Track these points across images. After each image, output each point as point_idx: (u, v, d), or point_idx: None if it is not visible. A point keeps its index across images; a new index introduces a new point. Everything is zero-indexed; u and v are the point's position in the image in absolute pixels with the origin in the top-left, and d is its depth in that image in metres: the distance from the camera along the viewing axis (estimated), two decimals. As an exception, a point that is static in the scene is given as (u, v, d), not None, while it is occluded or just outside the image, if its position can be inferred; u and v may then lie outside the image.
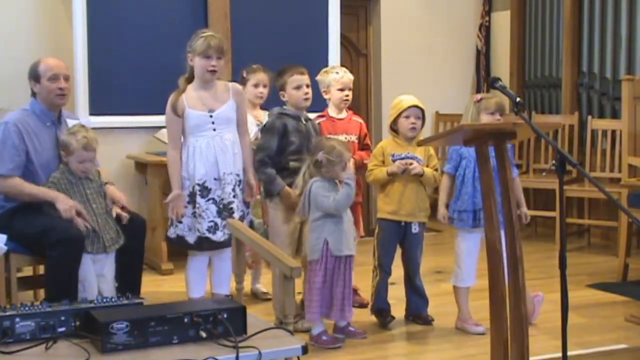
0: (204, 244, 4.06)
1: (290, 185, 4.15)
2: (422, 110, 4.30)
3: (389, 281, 4.35)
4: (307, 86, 4.25)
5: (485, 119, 4.01)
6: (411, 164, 4.21)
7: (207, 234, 4.03)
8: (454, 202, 4.17)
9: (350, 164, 4.13)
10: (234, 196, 4.06)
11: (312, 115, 4.67)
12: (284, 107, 4.28)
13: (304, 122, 4.27)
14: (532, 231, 6.95)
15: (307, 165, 4.02)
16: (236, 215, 4.05)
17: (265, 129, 4.23)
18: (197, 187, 4.03)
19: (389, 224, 4.28)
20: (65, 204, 3.78)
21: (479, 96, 4.15)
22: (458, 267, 4.19)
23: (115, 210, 3.98)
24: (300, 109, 4.27)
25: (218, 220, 4.03)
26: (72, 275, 3.74)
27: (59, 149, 3.94)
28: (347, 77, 4.59)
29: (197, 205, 4.03)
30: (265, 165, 4.17)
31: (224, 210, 4.04)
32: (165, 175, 4.24)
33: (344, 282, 3.96)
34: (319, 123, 4.54)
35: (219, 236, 4.04)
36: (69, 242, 3.73)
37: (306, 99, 4.25)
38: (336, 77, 4.56)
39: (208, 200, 4.03)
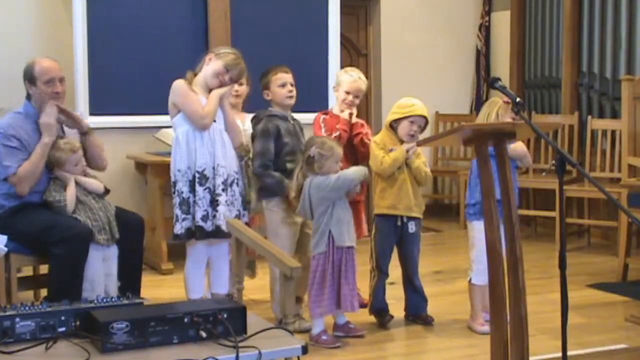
0: (197, 233, 4.05)
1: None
2: (427, 122, 4.30)
3: (388, 281, 4.35)
4: (292, 85, 4.28)
5: (508, 120, 3.99)
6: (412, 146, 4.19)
7: (201, 223, 4.03)
8: (472, 194, 4.10)
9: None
10: (222, 190, 4.06)
11: (312, 115, 4.68)
12: (270, 108, 4.30)
13: (291, 121, 4.30)
14: (532, 231, 6.95)
15: (299, 167, 4.02)
16: (220, 209, 4.03)
17: (259, 134, 4.23)
18: (197, 175, 4.04)
19: (386, 223, 4.27)
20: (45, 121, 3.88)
21: (506, 99, 4.14)
22: (480, 263, 4.03)
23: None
24: (284, 107, 4.29)
25: (209, 210, 4.04)
26: (77, 273, 3.76)
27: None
28: (358, 83, 4.52)
29: (196, 193, 4.03)
30: (268, 168, 4.20)
31: (214, 201, 4.06)
32: (165, 174, 4.25)
33: (349, 272, 3.97)
34: (320, 123, 4.56)
35: (209, 226, 4.04)
36: (73, 240, 3.74)
37: (290, 97, 4.27)
38: (348, 79, 4.52)
39: (205, 189, 4.04)
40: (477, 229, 4.11)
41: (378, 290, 4.30)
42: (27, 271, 4.48)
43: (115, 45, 5.76)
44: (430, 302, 4.40)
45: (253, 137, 4.30)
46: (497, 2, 7.66)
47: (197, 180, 4.03)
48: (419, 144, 4.03)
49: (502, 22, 7.55)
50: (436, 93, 7.44)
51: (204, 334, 2.62)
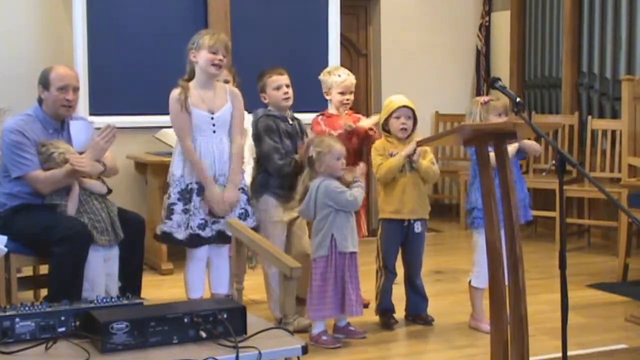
0: (194, 241, 4.08)
1: (288, 188, 4.18)
2: (413, 110, 4.28)
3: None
4: (287, 86, 4.28)
5: (494, 120, 3.98)
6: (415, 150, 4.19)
7: (197, 231, 4.05)
8: (474, 200, 4.06)
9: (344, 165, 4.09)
10: None
11: (312, 115, 4.68)
12: (268, 108, 4.31)
13: (290, 121, 4.31)
14: (532, 231, 6.95)
15: (306, 171, 4.03)
16: (235, 214, 4.09)
17: (264, 131, 4.22)
18: (194, 185, 4.04)
19: (392, 224, 4.27)
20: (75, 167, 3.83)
21: (485, 98, 4.11)
22: (480, 266, 4.07)
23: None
24: (281, 109, 4.29)
25: (207, 218, 4.07)
26: (77, 272, 3.75)
27: None
28: (349, 80, 4.56)
29: (193, 203, 4.04)
30: (284, 158, 4.18)
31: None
32: (165, 175, 4.24)
33: (353, 277, 3.97)
34: (318, 121, 4.56)
35: (207, 232, 4.07)
36: (74, 239, 3.74)
37: (286, 99, 4.27)
38: (337, 80, 4.55)
39: (202, 199, 4.05)
40: (477, 234, 4.12)
41: (386, 291, 4.30)
42: (27, 271, 4.48)
43: (115, 45, 5.76)
44: (430, 302, 4.40)
45: (256, 138, 4.28)
46: (497, 2, 7.66)
47: (195, 191, 4.04)
48: (419, 143, 4.03)
49: (502, 22, 7.55)
50: (436, 93, 7.44)
51: (204, 334, 2.62)
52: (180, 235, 4.07)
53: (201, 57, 4.04)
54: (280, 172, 4.20)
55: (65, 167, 3.87)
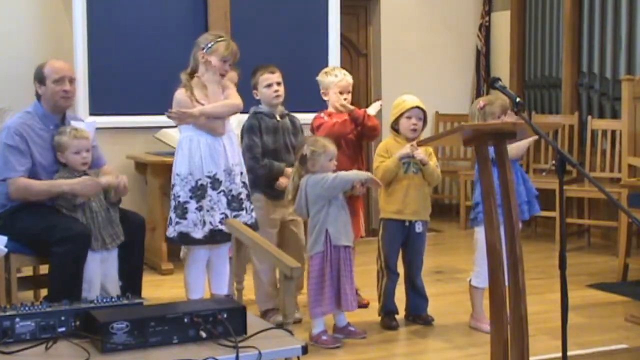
0: (217, 237, 4.04)
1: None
2: (424, 112, 4.29)
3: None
4: (278, 84, 4.34)
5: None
6: (417, 149, 4.18)
7: (220, 226, 4.02)
8: (479, 194, 4.03)
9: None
10: (242, 186, 4.12)
11: (311, 115, 4.68)
12: (259, 106, 4.37)
13: (278, 118, 4.34)
14: (532, 231, 6.95)
15: (295, 168, 4.04)
16: (245, 205, 4.10)
17: (245, 130, 4.31)
18: (207, 180, 4.03)
19: (394, 224, 4.27)
20: (78, 187, 3.83)
21: (481, 102, 4.07)
22: (480, 266, 4.05)
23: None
24: (272, 106, 4.35)
25: (228, 212, 4.06)
26: (77, 272, 3.75)
27: None
28: (346, 80, 4.55)
29: (209, 198, 4.03)
30: (257, 160, 4.25)
31: (234, 202, 4.08)
32: (165, 174, 4.24)
33: (347, 272, 3.97)
34: (320, 116, 4.56)
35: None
36: (75, 239, 3.74)
37: (276, 97, 4.32)
38: (334, 80, 4.54)
39: (219, 192, 4.05)
40: (478, 231, 4.12)
41: (389, 292, 4.29)
42: (27, 271, 4.48)
43: (115, 45, 5.76)
44: (430, 302, 4.40)
45: (241, 136, 4.35)
46: (497, 2, 7.67)
47: (208, 185, 4.03)
48: (420, 143, 4.02)
49: (502, 22, 7.55)
50: (436, 93, 7.44)
51: (204, 334, 2.62)
52: (198, 234, 4.03)
53: (211, 63, 4.06)
54: (251, 171, 4.24)
55: (53, 186, 3.87)
